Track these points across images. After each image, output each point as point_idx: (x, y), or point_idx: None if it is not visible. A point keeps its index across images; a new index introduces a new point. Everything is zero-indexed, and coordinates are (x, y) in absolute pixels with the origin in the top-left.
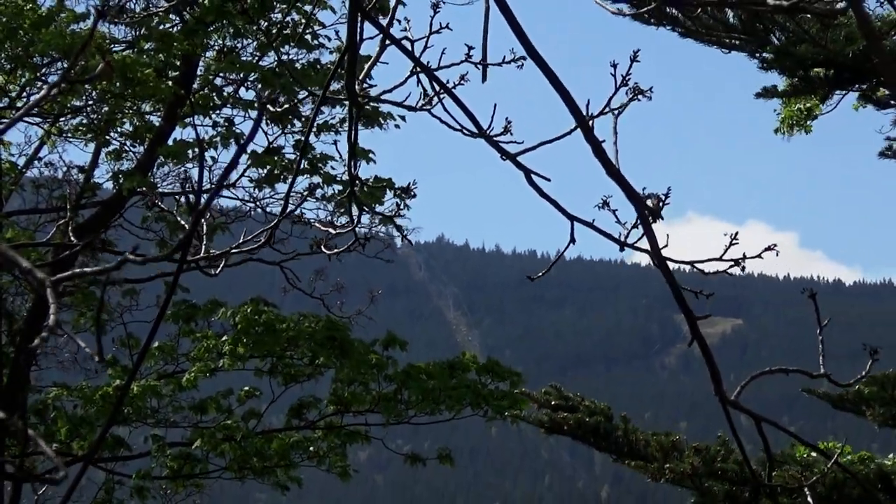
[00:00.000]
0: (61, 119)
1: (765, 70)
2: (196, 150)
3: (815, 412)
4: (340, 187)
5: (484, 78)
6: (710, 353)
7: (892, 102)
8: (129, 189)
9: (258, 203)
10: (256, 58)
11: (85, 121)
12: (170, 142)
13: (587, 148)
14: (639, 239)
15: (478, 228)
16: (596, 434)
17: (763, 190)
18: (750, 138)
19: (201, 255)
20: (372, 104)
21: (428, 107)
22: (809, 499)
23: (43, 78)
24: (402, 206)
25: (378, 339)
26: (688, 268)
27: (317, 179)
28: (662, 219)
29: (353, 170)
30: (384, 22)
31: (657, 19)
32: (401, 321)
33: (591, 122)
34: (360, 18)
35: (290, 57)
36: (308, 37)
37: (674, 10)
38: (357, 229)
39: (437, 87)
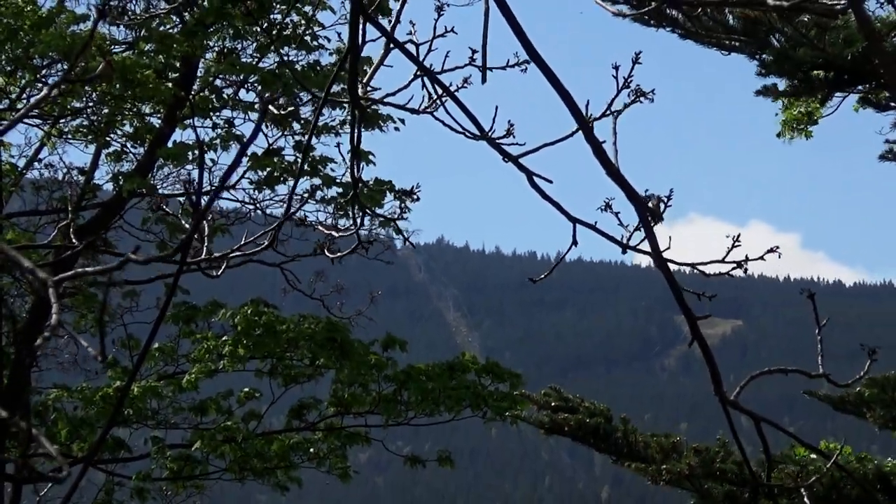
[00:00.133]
0: (61, 120)
1: (764, 76)
2: (196, 151)
3: (815, 413)
4: (341, 189)
5: (484, 79)
6: (711, 354)
7: (892, 104)
8: (129, 191)
9: (258, 205)
10: (256, 59)
11: (85, 122)
12: (170, 143)
13: (588, 149)
14: (641, 241)
15: (478, 230)
16: (596, 435)
17: (765, 191)
18: (751, 139)
19: (202, 256)
20: (373, 106)
21: (431, 110)
22: (806, 499)
23: (43, 79)
24: (404, 209)
25: (377, 339)
26: (689, 268)
27: (317, 181)
28: (663, 220)
29: (356, 173)
30: (385, 23)
31: (657, 21)
32: (401, 323)
33: (591, 123)
34: (362, 21)
35: (290, 58)
36: (307, 38)
37: (674, 12)
38: (359, 232)
39: (440, 91)
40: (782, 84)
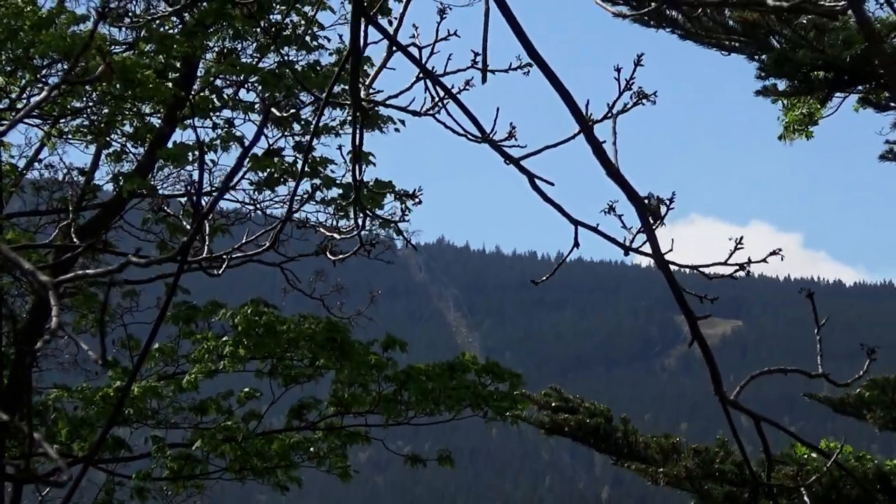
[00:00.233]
0: (62, 121)
1: (763, 78)
2: (196, 152)
3: (815, 413)
4: (341, 190)
5: (484, 79)
6: (711, 354)
7: (892, 105)
8: (130, 191)
9: (258, 205)
10: (256, 59)
11: (85, 122)
12: (170, 144)
13: (590, 151)
14: (643, 244)
15: (478, 230)
16: (596, 436)
17: (766, 191)
18: (751, 139)
19: (203, 255)
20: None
21: (432, 112)
22: (806, 498)
23: (43, 79)
24: (405, 211)
25: (377, 339)
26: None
27: (317, 182)
28: (663, 220)
29: (357, 175)
30: (385, 23)
31: (657, 21)
32: (401, 323)
33: (591, 124)
34: (363, 23)
35: (290, 58)
36: (307, 38)
37: (673, 13)
38: (361, 234)
39: (442, 93)
40: (782, 85)
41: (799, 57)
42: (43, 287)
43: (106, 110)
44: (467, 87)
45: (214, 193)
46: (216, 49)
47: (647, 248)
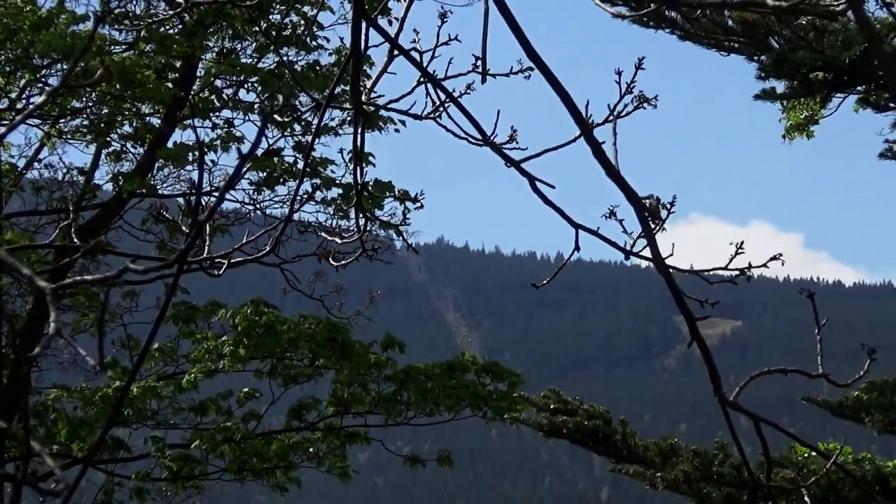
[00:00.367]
0: (61, 121)
1: (763, 79)
2: (196, 152)
3: (814, 414)
4: (341, 191)
5: (483, 79)
6: (710, 354)
7: (892, 105)
8: (129, 191)
9: (258, 206)
10: (256, 60)
11: (85, 122)
12: (170, 144)
13: (590, 152)
14: (644, 248)
15: (478, 230)
16: (594, 438)
17: (766, 191)
18: (752, 139)
19: (204, 256)
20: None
21: (434, 115)
22: (806, 499)
23: (43, 79)
24: (405, 213)
25: (376, 340)
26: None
27: (317, 181)
28: (663, 224)
29: (358, 178)
30: (386, 24)
31: (656, 22)
32: (400, 323)
33: (591, 125)
34: (364, 25)
35: (290, 59)
36: (307, 38)
37: (673, 13)
38: (362, 238)
39: (443, 96)
40: (781, 86)
41: (798, 58)
42: (41, 293)
43: (106, 110)
44: (468, 90)
45: (214, 194)
46: (216, 49)
47: (648, 253)
